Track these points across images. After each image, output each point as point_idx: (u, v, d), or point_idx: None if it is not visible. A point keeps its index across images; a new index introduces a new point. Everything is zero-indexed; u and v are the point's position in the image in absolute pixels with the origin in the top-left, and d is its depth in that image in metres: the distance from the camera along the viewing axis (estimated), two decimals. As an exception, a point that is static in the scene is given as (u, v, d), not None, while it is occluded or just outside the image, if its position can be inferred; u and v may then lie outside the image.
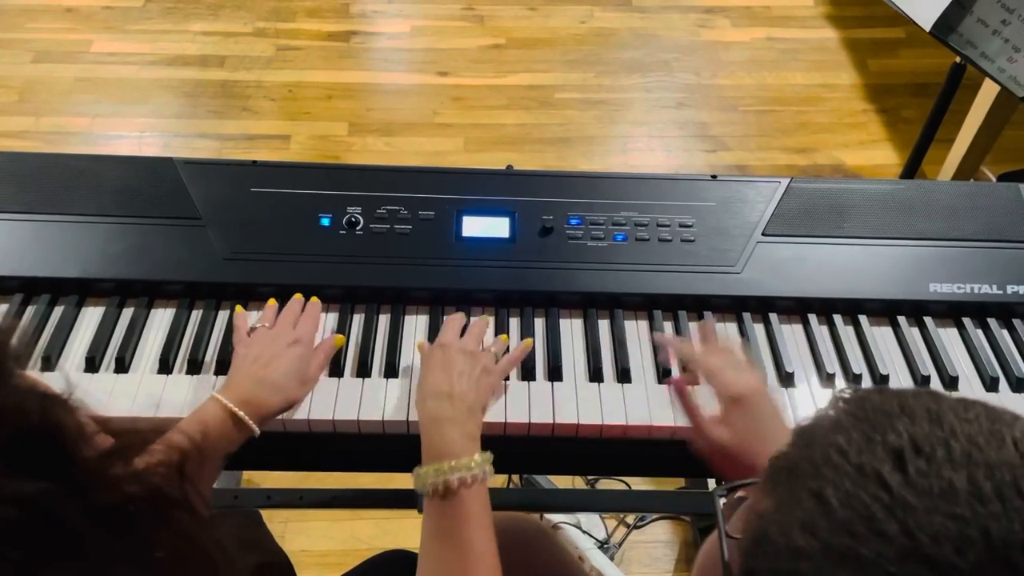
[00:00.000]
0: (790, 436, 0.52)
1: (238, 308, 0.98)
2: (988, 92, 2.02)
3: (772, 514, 0.47)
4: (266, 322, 0.94)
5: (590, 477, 1.76)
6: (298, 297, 0.99)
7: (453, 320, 0.96)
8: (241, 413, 0.84)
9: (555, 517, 1.64)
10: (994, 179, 2.13)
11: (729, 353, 0.89)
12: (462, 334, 0.95)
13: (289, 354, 0.90)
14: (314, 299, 0.99)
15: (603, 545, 1.65)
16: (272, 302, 0.99)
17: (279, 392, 0.88)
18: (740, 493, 0.67)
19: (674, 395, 0.88)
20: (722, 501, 0.67)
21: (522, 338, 0.99)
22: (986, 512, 0.41)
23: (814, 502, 0.45)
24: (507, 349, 0.97)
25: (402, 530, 1.64)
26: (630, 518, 1.71)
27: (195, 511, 0.53)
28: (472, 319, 0.98)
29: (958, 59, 1.74)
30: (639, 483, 1.74)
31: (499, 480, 1.73)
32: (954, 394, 0.49)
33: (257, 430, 0.85)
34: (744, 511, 0.67)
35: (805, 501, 0.45)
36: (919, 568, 0.41)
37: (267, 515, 1.41)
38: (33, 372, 0.94)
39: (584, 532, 1.66)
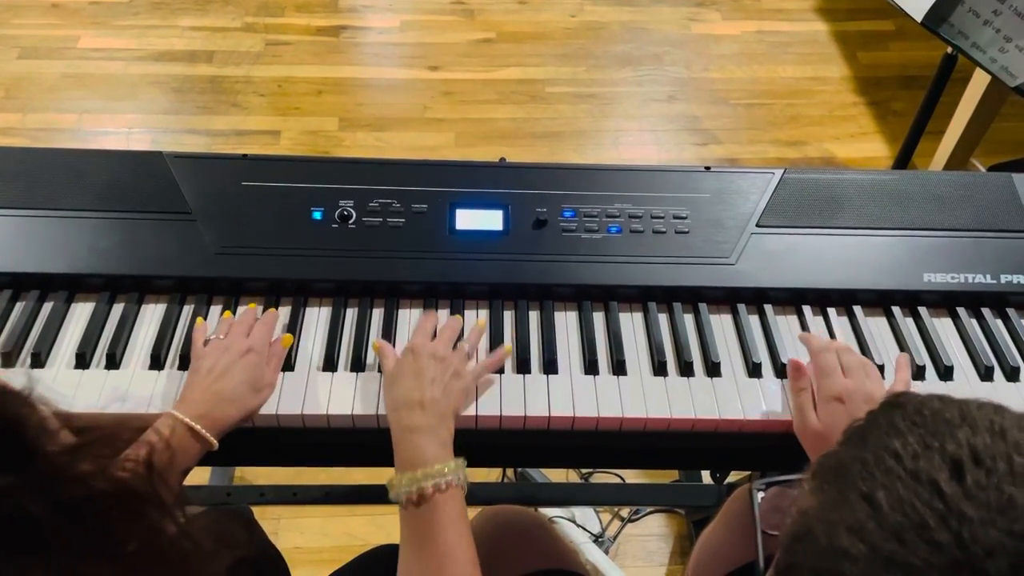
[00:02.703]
0: (841, 435, 0.51)
1: (198, 320, 0.96)
2: (979, 83, 2.02)
3: (817, 512, 0.46)
4: (220, 334, 0.93)
5: (584, 471, 1.76)
6: (252, 307, 0.98)
7: (426, 321, 0.95)
8: (198, 427, 0.83)
9: (550, 511, 1.64)
10: (984, 171, 2.13)
11: (848, 354, 0.91)
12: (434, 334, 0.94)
13: (242, 364, 0.89)
14: (271, 310, 0.98)
15: (598, 539, 1.66)
16: (228, 315, 0.97)
17: (233, 404, 0.87)
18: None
19: (790, 369, 0.93)
20: (760, 495, 0.67)
21: (516, 331, 0.99)
22: None
23: (864, 504, 0.44)
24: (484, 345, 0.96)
25: (396, 526, 1.62)
26: (624, 511, 1.71)
27: (165, 505, 0.52)
28: (446, 321, 0.96)
29: (949, 50, 1.74)
30: (633, 476, 1.75)
31: (494, 474, 1.73)
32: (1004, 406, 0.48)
33: (215, 443, 0.84)
34: (769, 503, 0.67)
35: (854, 502, 0.44)
36: None
37: (260, 512, 1.40)
38: (23, 369, 0.94)
39: (579, 526, 1.66)
